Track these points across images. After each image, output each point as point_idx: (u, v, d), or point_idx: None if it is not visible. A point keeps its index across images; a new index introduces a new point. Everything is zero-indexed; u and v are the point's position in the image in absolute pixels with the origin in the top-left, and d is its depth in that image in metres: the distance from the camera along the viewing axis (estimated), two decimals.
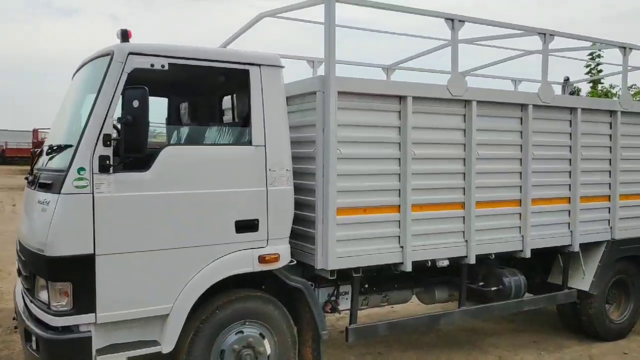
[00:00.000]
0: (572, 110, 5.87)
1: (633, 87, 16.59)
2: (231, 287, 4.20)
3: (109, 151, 3.65)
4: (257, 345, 4.21)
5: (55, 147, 4.04)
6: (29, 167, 4.71)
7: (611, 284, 6.43)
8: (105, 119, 3.64)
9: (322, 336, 4.47)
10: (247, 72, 4.17)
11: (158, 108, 5.33)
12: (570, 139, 5.88)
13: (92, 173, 3.61)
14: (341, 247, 4.50)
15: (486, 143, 5.24)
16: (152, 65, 3.80)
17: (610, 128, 6.22)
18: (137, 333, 3.88)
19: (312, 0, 4.71)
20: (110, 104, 3.67)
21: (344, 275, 4.73)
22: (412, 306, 6.31)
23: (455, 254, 5.13)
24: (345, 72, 7.39)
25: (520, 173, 5.51)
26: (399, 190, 4.79)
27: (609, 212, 6.24)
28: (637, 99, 16.33)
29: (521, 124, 5.50)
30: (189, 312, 3.93)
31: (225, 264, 4.05)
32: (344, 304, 5.04)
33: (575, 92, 14.99)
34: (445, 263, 5.09)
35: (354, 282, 4.83)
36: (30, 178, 4.28)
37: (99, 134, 3.62)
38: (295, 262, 4.48)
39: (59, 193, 3.58)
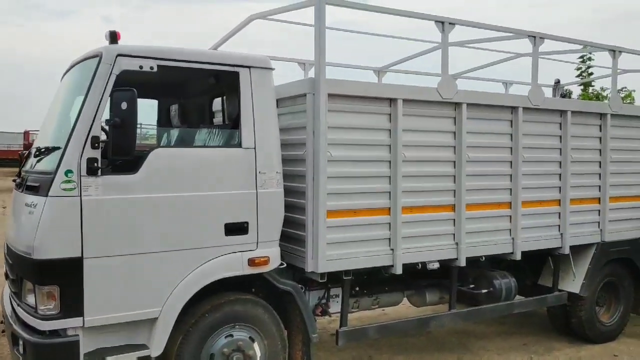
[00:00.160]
0: (562, 112, 5.89)
1: (623, 89, 16.72)
2: (221, 290, 4.18)
3: (97, 153, 3.62)
4: (246, 349, 4.19)
5: (43, 149, 4.01)
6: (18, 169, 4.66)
7: (601, 287, 6.45)
8: (94, 121, 3.62)
9: (312, 339, 4.46)
10: (236, 74, 4.15)
11: (147, 110, 5.31)
12: (561, 141, 5.90)
13: (80, 175, 3.58)
14: (331, 250, 4.49)
15: (476, 145, 5.25)
16: (140, 67, 3.77)
17: (600, 131, 6.25)
18: (125, 337, 3.85)
19: (302, 2, 4.70)
20: (99, 106, 3.64)
21: (334, 278, 4.72)
22: (403, 309, 6.31)
23: (445, 256, 5.14)
24: (337, 75, 7.38)
25: (511, 175, 5.53)
26: (390, 192, 4.78)
27: (599, 215, 6.27)
28: (627, 101, 16.45)
29: (511, 126, 5.51)
30: (178, 316, 3.91)
31: (215, 267, 4.03)
32: (335, 307, 5.02)
33: (567, 94, 15.12)
34: (436, 265, 5.09)
35: (345, 285, 4.82)
36: (18, 180, 4.24)
37: (87, 136, 3.59)
38: (285, 265, 4.47)
39: (47, 196, 3.55)
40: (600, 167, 6.25)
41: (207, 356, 4.07)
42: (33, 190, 3.77)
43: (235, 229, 4.11)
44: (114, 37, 3.84)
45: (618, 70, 6.63)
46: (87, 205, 3.60)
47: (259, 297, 4.38)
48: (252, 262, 4.16)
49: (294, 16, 5.36)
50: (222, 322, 4.12)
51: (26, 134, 34.70)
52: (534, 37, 5.64)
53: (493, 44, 6.74)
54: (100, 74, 3.69)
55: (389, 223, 4.80)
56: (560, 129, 5.89)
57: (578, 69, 15.58)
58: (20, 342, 3.68)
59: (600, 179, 6.26)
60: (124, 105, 3.51)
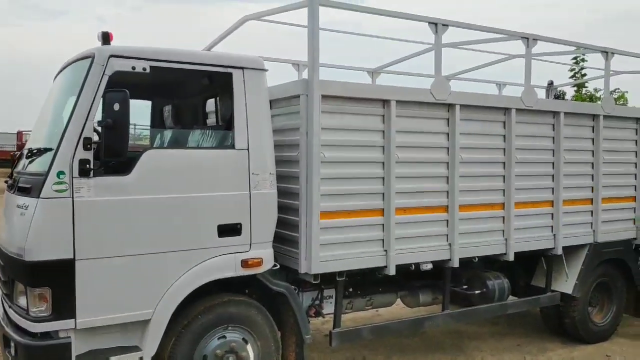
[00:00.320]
0: (555, 114, 5.91)
1: (616, 90, 16.82)
2: (214, 292, 4.17)
3: (89, 155, 3.61)
4: (240, 350, 4.19)
5: (35, 150, 3.99)
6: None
7: (594, 287, 6.48)
8: (86, 122, 3.61)
9: (306, 340, 4.46)
10: (230, 75, 4.15)
11: (141, 111, 5.29)
12: (553, 142, 5.92)
13: (72, 177, 3.56)
14: (325, 251, 4.49)
15: (470, 147, 5.26)
16: (133, 67, 3.76)
17: (593, 132, 6.28)
18: (118, 339, 3.84)
19: (296, 3, 4.70)
20: (91, 107, 3.63)
21: (328, 279, 4.73)
22: (397, 309, 6.32)
23: (438, 257, 5.14)
24: (331, 76, 7.39)
25: (504, 177, 5.54)
26: (383, 193, 4.79)
27: (592, 216, 6.30)
28: (621, 102, 16.54)
29: (504, 127, 5.53)
30: (171, 317, 3.90)
31: (208, 269, 4.02)
32: (328, 308, 5.03)
33: (561, 95, 15.20)
34: (429, 266, 5.10)
35: (338, 286, 4.82)
36: (10, 182, 4.22)
37: (79, 138, 3.58)
38: (278, 266, 4.46)
39: (38, 197, 3.54)
40: (593, 168, 6.28)
41: (200, 358, 4.06)
42: (25, 191, 3.75)
43: (229, 230, 4.10)
44: (106, 38, 3.83)
45: (610, 72, 6.66)
46: (79, 206, 3.58)
47: (253, 299, 4.38)
48: (245, 264, 4.15)
49: (288, 17, 5.36)
50: (215, 324, 4.12)
51: (19, 134, 34.50)
52: (527, 38, 5.66)
53: (486, 45, 6.77)
54: (93, 75, 3.67)
55: (383, 224, 4.80)
56: (553, 130, 5.92)
57: (571, 70, 15.68)
58: (12, 344, 3.67)
59: (593, 180, 6.28)
60: (116, 106, 3.50)
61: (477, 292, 5.73)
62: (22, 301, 3.66)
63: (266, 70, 4.33)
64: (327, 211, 4.50)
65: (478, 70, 8.21)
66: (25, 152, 4.22)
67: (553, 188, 5.93)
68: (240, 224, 4.14)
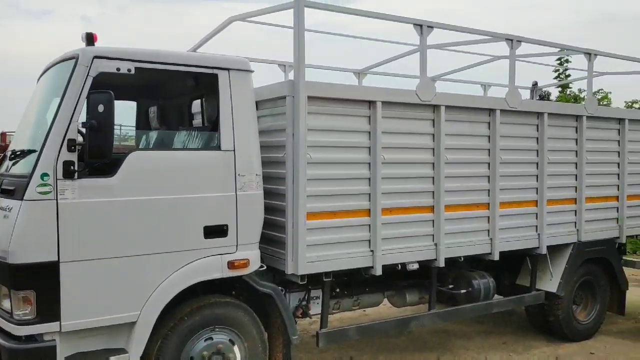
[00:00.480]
0: (539, 115, 5.97)
1: (600, 91, 17.01)
2: (200, 293, 4.17)
3: (73, 156, 3.58)
4: (226, 352, 4.18)
5: (18, 152, 3.96)
6: None
7: (578, 286, 6.55)
8: (70, 123, 3.58)
9: (293, 341, 4.46)
10: (215, 76, 4.14)
11: (126, 112, 5.27)
12: (538, 143, 5.98)
13: (56, 179, 3.54)
14: (311, 252, 4.50)
15: (455, 147, 5.30)
16: (118, 69, 3.74)
17: (577, 132, 6.35)
18: (103, 341, 3.82)
19: (282, 5, 4.71)
20: (75, 109, 3.60)
21: (315, 280, 4.73)
22: (384, 309, 6.35)
23: (424, 257, 5.18)
24: (317, 77, 7.41)
25: (489, 177, 5.59)
26: (369, 194, 4.81)
27: (575, 215, 6.37)
28: (604, 103, 16.74)
29: (489, 128, 5.58)
30: (157, 319, 3.88)
31: (194, 270, 4.01)
32: (315, 309, 5.03)
33: (546, 96, 15.32)
34: (415, 266, 5.13)
35: (325, 286, 4.84)
36: None
37: (63, 139, 3.56)
38: (265, 267, 4.47)
39: (22, 199, 3.50)
40: (576, 168, 6.35)
41: (187, 359, 4.05)
42: (8, 193, 3.71)
43: (215, 231, 4.09)
44: (90, 38, 3.80)
45: (594, 73, 6.75)
46: (63, 208, 3.56)
47: (239, 300, 4.38)
48: (231, 265, 4.15)
49: (275, 18, 5.36)
50: (202, 325, 4.10)
51: (3, 135, 34.04)
52: (511, 40, 5.72)
53: (471, 46, 6.82)
54: (77, 76, 3.65)
55: (369, 225, 4.82)
56: (537, 130, 5.97)
57: (555, 71, 15.83)
58: None
59: (576, 180, 6.35)
60: (100, 108, 3.47)
61: (463, 291, 5.78)
62: (5, 304, 3.62)
63: (252, 71, 4.33)
64: (314, 212, 4.51)
65: (463, 71, 8.26)
66: (8, 153, 4.18)
67: (537, 188, 5.99)
68: (226, 225, 4.14)
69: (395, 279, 5.52)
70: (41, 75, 4.48)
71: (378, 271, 4.85)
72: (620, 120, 6.77)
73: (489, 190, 5.59)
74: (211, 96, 4.36)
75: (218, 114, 4.16)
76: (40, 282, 3.53)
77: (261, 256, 4.37)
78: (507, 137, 5.67)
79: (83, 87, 3.63)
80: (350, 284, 5.29)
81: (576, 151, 6.34)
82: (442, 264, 5.24)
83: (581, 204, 6.35)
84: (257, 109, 4.40)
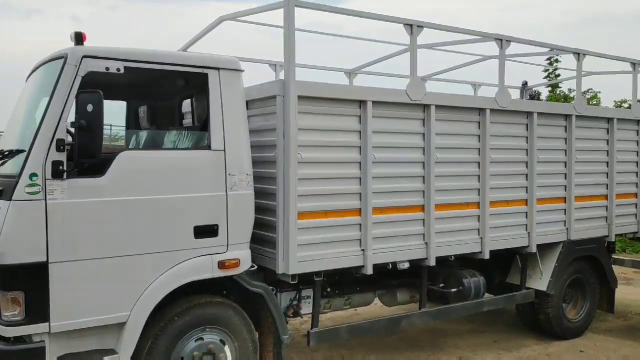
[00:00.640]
0: (529, 114, 6.01)
1: (589, 91, 17.14)
2: (191, 293, 4.16)
3: (62, 156, 3.56)
4: (217, 352, 4.17)
5: (6, 152, 3.93)
6: None
7: (568, 284, 6.59)
8: (59, 123, 3.56)
9: (284, 341, 4.47)
10: (205, 75, 4.13)
11: (116, 112, 5.24)
12: (527, 142, 6.01)
13: (45, 179, 3.52)
14: (302, 252, 4.50)
15: (445, 147, 5.32)
16: (107, 68, 3.73)
17: (566, 131, 6.39)
18: (93, 342, 3.80)
19: (272, 4, 4.70)
20: (64, 108, 3.58)
21: (306, 279, 4.74)
22: (376, 308, 6.35)
23: (415, 256, 5.19)
24: (308, 76, 7.41)
25: (479, 176, 5.61)
26: (360, 193, 4.82)
27: (565, 214, 6.41)
28: (594, 102, 16.86)
29: (479, 128, 5.60)
30: (147, 319, 3.87)
31: (184, 270, 4.00)
32: (306, 308, 5.04)
33: (535, 96, 15.44)
34: (406, 265, 5.14)
35: (316, 286, 4.84)
36: None
37: (52, 139, 3.54)
38: (256, 267, 4.46)
39: (10, 199, 3.48)
40: (566, 167, 6.39)
41: (178, 359, 4.04)
42: None
43: (205, 231, 4.09)
44: (79, 38, 3.78)
45: (582, 72, 6.79)
46: (52, 209, 3.54)
47: (230, 300, 4.37)
48: (222, 265, 4.14)
49: (265, 17, 5.36)
50: (193, 325, 4.10)
51: None
52: (501, 40, 5.74)
53: (461, 46, 6.85)
54: (66, 75, 3.63)
55: (360, 224, 4.83)
56: (527, 130, 6.01)
57: (545, 70, 15.94)
58: None
59: (566, 178, 6.39)
60: (89, 108, 3.46)
61: (453, 290, 5.80)
62: None
63: (242, 70, 4.33)
64: (305, 211, 4.51)
65: (454, 71, 8.30)
66: None
67: (527, 187, 6.03)
68: (217, 225, 4.13)
69: (386, 278, 5.53)
70: (30, 75, 4.45)
71: (369, 270, 4.86)
72: (609, 120, 6.82)
73: (479, 189, 5.62)
74: (201, 96, 4.35)
75: (208, 113, 4.15)
76: (29, 282, 3.51)
77: (252, 256, 4.37)
78: (497, 136, 5.70)
79: (72, 86, 3.61)
80: (341, 283, 5.30)
81: (565, 150, 6.38)
82: (432, 263, 5.26)
83: (571, 203, 6.39)
84: (247, 109, 4.40)
